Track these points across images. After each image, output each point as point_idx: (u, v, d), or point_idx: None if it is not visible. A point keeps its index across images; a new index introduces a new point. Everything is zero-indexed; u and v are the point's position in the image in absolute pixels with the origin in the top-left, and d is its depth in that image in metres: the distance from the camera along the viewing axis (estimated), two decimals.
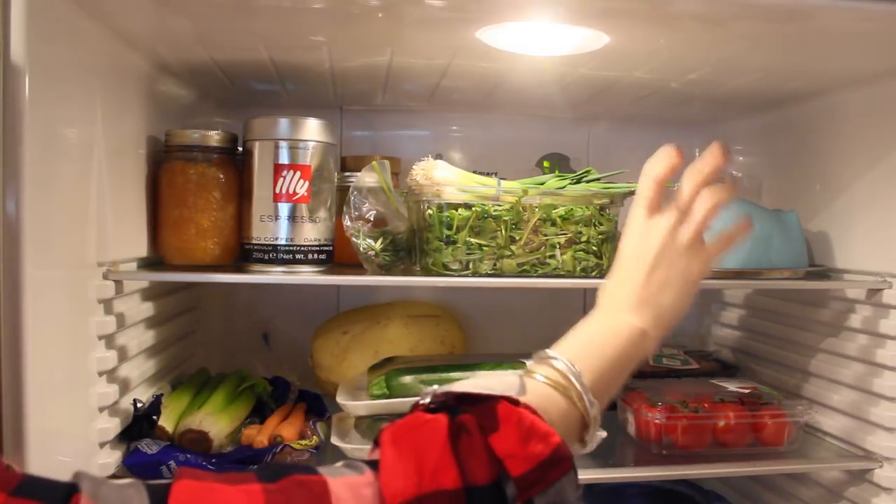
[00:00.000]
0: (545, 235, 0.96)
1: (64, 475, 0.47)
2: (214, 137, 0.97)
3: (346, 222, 0.96)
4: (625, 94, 1.18)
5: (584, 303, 1.43)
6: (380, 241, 0.96)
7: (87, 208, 0.81)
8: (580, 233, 0.96)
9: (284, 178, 0.93)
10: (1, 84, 0.66)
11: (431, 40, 0.90)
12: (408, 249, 1.00)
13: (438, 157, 1.03)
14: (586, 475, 0.96)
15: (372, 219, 0.96)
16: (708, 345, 1.42)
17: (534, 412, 0.55)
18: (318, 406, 1.09)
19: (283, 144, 0.93)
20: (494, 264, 0.95)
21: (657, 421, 1.00)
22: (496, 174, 1.18)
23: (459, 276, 0.94)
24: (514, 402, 0.55)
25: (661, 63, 0.97)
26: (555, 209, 0.96)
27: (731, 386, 1.11)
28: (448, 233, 0.93)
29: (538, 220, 0.95)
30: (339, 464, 0.53)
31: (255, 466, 0.69)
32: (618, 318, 0.65)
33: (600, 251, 0.98)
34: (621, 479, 1.20)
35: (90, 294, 0.83)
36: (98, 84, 0.83)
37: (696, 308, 1.44)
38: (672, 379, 1.20)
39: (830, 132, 1.11)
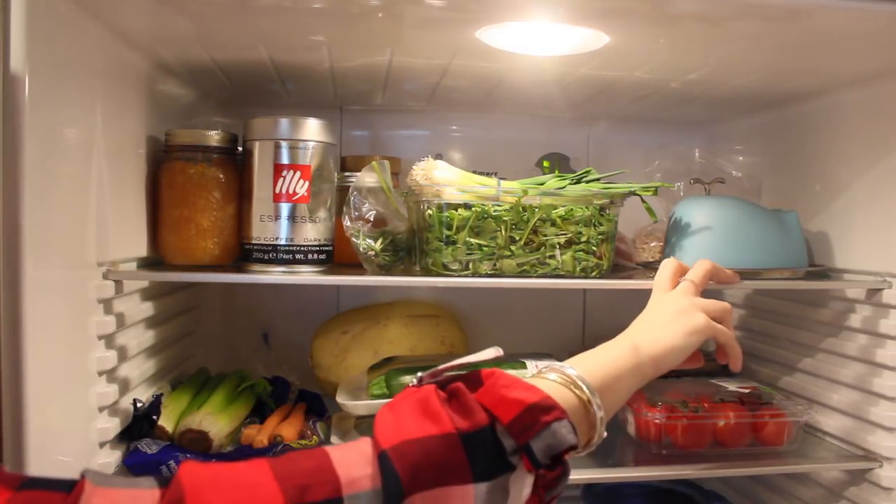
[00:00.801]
0: (545, 236, 0.96)
1: (64, 475, 0.48)
2: (214, 137, 0.97)
3: (346, 222, 0.96)
4: (625, 94, 1.18)
5: (584, 303, 1.43)
6: (380, 241, 0.96)
7: (86, 208, 0.81)
8: (580, 233, 0.96)
9: (284, 178, 0.93)
10: (1, 84, 0.66)
11: (431, 40, 0.90)
12: (408, 249, 1.00)
13: (438, 157, 1.03)
14: (586, 475, 0.96)
15: (372, 219, 0.96)
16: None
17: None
18: (318, 406, 1.09)
19: (283, 144, 0.93)
20: (494, 264, 0.95)
21: (657, 421, 1.00)
22: (496, 174, 1.18)
23: (459, 276, 0.94)
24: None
25: (661, 63, 0.97)
26: (555, 209, 0.96)
27: (731, 386, 1.11)
28: (448, 233, 0.93)
29: (538, 220, 0.95)
30: None
31: None
32: (618, 342, 0.73)
33: (600, 251, 0.98)
34: (621, 479, 1.20)
35: (90, 294, 0.83)
36: (98, 84, 0.83)
37: None
38: (672, 379, 1.19)
39: (830, 132, 1.11)
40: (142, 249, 0.97)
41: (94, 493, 0.44)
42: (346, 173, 1.07)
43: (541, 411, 0.55)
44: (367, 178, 0.98)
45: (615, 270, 1.06)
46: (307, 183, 0.93)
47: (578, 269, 0.97)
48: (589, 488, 1.27)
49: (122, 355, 0.90)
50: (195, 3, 0.77)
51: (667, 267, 0.87)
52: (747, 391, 1.08)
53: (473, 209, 0.94)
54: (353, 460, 0.50)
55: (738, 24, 0.80)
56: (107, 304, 0.86)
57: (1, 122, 0.66)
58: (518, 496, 0.55)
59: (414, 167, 0.98)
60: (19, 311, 0.67)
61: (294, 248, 0.93)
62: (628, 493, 1.27)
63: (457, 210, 0.94)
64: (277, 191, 0.93)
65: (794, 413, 1.02)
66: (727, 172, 1.25)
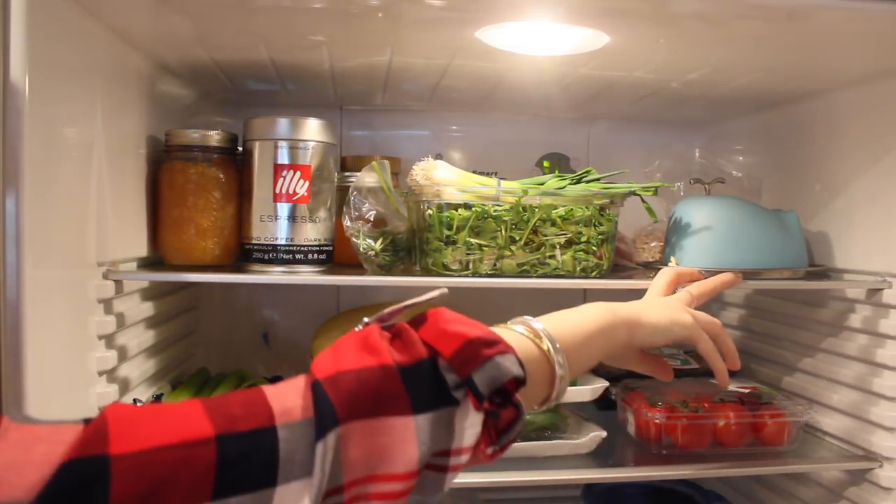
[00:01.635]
0: (545, 235, 0.96)
1: None
2: (214, 137, 0.97)
3: (346, 222, 0.96)
4: (625, 94, 1.18)
5: (584, 302, 1.43)
6: (380, 241, 0.96)
7: (86, 208, 0.81)
8: (580, 233, 0.96)
9: (284, 178, 0.93)
10: (1, 83, 0.66)
11: (431, 40, 0.90)
12: (408, 249, 1.00)
13: (438, 157, 1.03)
14: (586, 475, 0.96)
15: (372, 219, 0.96)
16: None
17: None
18: None
19: (283, 144, 0.93)
20: (494, 264, 0.95)
21: (657, 421, 1.00)
22: (496, 174, 1.18)
23: (459, 276, 0.94)
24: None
25: (661, 63, 0.97)
26: (555, 209, 0.96)
27: (731, 386, 1.11)
28: (448, 233, 0.93)
29: (538, 220, 0.95)
30: None
31: None
32: (596, 304, 0.73)
33: (600, 251, 0.98)
34: (621, 479, 1.20)
35: (90, 294, 0.83)
36: (98, 84, 0.83)
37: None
38: (672, 379, 1.20)
39: (830, 132, 1.11)
40: (142, 249, 0.97)
41: (10, 428, 0.43)
42: (346, 173, 1.07)
43: (483, 344, 0.53)
44: (367, 178, 0.98)
45: (615, 270, 1.06)
46: (307, 183, 0.93)
47: (578, 269, 0.97)
48: (589, 488, 1.27)
49: (123, 355, 0.90)
50: (195, 3, 0.77)
51: (664, 275, 0.86)
52: (747, 391, 1.08)
53: (473, 209, 0.94)
54: (287, 392, 0.49)
55: (738, 24, 0.80)
56: (107, 304, 0.86)
57: (1, 121, 0.66)
58: (464, 434, 0.52)
59: (414, 167, 0.99)
60: (20, 311, 0.67)
61: (294, 248, 0.93)
62: (628, 492, 1.27)
63: (457, 210, 0.94)
64: (277, 191, 0.93)
65: (794, 413, 1.02)
66: (727, 172, 1.25)
